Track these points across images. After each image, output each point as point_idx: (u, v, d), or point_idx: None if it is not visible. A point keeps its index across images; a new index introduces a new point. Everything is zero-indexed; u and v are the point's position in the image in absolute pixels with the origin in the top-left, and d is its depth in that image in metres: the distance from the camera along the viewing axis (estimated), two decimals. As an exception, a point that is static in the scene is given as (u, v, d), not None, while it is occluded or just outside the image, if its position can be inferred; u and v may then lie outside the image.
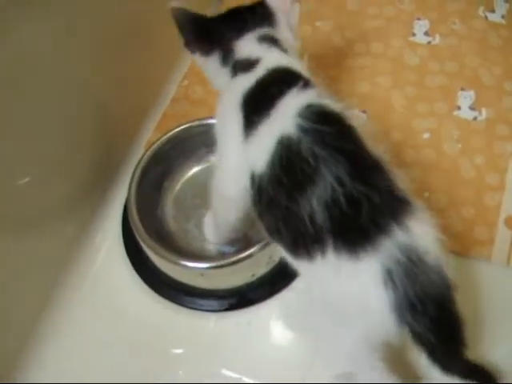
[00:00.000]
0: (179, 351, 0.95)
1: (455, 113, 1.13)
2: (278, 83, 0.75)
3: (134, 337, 0.96)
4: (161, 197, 1.04)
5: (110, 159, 1.11)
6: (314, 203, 0.66)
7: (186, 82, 1.19)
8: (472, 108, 1.13)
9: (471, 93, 1.15)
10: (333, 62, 1.20)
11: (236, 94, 0.77)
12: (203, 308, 0.96)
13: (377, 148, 0.72)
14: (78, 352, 0.96)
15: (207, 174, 1.02)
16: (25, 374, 0.93)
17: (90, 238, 1.05)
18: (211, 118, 1.00)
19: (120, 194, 1.07)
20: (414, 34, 1.23)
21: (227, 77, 0.82)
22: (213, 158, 1.03)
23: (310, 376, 0.90)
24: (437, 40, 1.23)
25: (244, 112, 0.76)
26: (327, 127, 0.68)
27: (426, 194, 1.04)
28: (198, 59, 0.86)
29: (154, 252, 0.92)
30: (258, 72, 0.78)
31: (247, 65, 0.80)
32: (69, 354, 0.96)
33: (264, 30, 0.83)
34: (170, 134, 1.01)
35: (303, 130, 0.68)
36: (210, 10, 1.26)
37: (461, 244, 0.99)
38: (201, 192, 1.03)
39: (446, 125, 1.11)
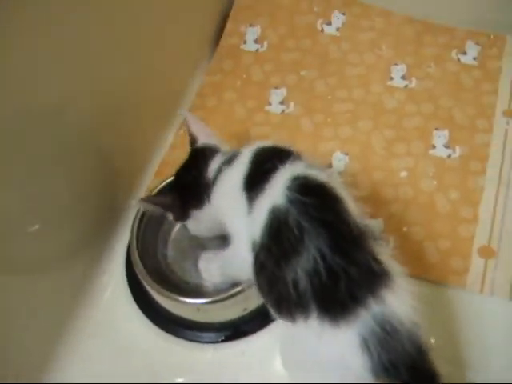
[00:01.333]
0: (181, 380, 1.03)
1: (430, 151, 1.21)
2: (271, 160, 0.81)
3: (139, 369, 1.04)
4: (160, 239, 1.12)
5: (113, 205, 1.19)
6: (299, 271, 0.71)
7: (182, 131, 1.27)
8: (446, 146, 1.22)
9: (445, 132, 1.23)
10: (317, 108, 1.29)
11: (232, 182, 0.86)
12: (201, 340, 1.04)
13: (361, 215, 0.78)
14: (88, 380, 1.03)
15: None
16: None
17: (97, 279, 1.12)
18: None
19: (123, 237, 1.15)
20: (391, 79, 1.32)
21: (210, 191, 0.91)
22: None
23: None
24: (413, 83, 1.32)
25: (246, 191, 0.82)
26: (311, 199, 0.74)
27: (405, 229, 1.12)
28: (193, 220, 0.97)
29: (155, 291, 1.00)
30: (245, 156, 0.87)
31: (229, 160, 0.90)
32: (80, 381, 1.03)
33: (219, 154, 0.94)
34: (168, 181, 1.10)
35: (290, 200, 0.74)
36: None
37: (437, 273, 1.07)
38: (197, 234, 1.12)
39: (422, 163, 1.19)
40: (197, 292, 1.04)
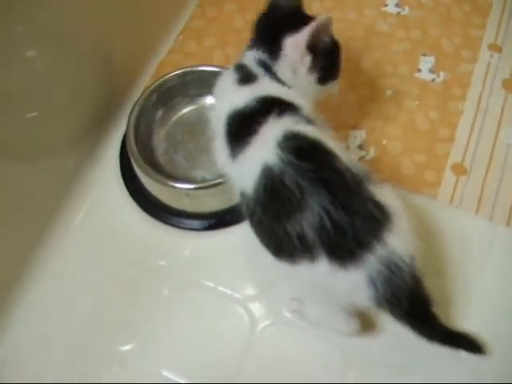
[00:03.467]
0: (163, 263, 1.10)
1: (416, 74, 1.28)
2: (260, 109, 0.83)
3: (126, 252, 1.10)
4: (155, 132, 1.18)
5: (111, 100, 1.24)
6: (305, 227, 0.75)
7: (181, 37, 1.34)
8: (431, 71, 1.28)
9: (432, 58, 1.30)
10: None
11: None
12: (187, 227, 1.11)
13: (355, 161, 0.81)
14: (78, 263, 1.11)
15: (196, 114, 1.19)
16: (28, 284, 1.07)
17: (91, 166, 1.18)
18: (203, 65, 1.18)
19: (118, 130, 1.21)
20: (385, 5, 1.38)
21: None
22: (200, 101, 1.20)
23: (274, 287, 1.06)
24: (406, 11, 1.37)
25: (229, 139, 0.85)
26: (306, 163, 0.76)
27: (385, 142, 1.19)
28: None
29: (146, 175, 1.06)
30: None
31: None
32: (71, 265, 1.10)
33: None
34: (166, 77, 1.16)
35: (284, 162, 0.76)
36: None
37: (412, 184, 1.14)
38: (189, 129, 1.18)
39: (406, 84, 1.26)
40: (185, 180, 1.11)
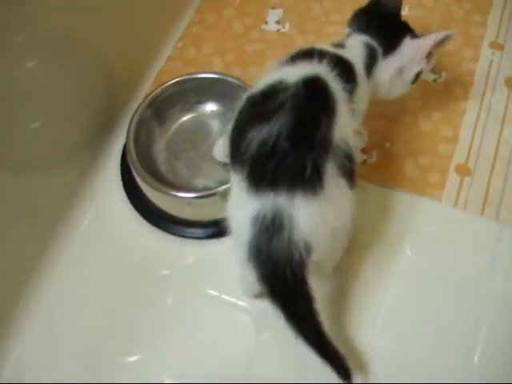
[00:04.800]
0: (166, 272, 1.09)
1: (417, 75, 1.26)
2: (313, 53, 0.87)
3: (129, 261, 1.10)
4: (155, 141, 1.17)
5: (112, 110, 1.24)
6: (255, 137, 0.76)
7: (180, 44, 1.33)
8: (433, 71, 1.27)
9: (433, 58, 1.28)
10: (311, 28, 1.34)
11: None
12: (189, 235, 1.10)
13: (348, 135, 0.81)
14: (82, 275, 1.10)
15: (196, 121, 1.18)
16: (34, 295, 1.07)
17: (93, 177, 1.18)
18: (202, 72, 1.18)
19: (119, 140, 1.20)
20: (385, 6, 1.37)
21: None
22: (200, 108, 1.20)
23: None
24: (406, 11, 1.36)
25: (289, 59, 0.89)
26: (310, 95, 0.79)
27: (388, 144, 1.18)
28: None
29: (148, 184, 1.06)
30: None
31: None
32: (74, 277, 1.10)
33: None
34: (165, 85, 1.15)
35: (295, 85, 0.79)
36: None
37: (416, 186, 1.13)
38: (189, 137, 1.18)
39: (408, 85, 1.25)
40: (187, 189, 1.09)
